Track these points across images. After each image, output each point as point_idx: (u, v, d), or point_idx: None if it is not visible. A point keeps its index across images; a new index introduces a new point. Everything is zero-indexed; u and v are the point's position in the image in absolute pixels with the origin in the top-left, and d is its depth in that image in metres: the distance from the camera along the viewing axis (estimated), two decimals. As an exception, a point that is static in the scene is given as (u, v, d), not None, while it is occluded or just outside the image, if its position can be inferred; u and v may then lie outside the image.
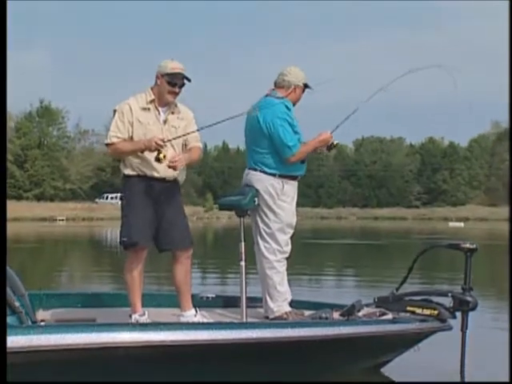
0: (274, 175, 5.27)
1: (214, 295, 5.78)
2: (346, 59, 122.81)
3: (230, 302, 5.68)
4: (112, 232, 36.66)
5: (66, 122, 78.79)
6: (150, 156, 4.82)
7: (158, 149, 4.73)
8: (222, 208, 5.43)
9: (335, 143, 5.36)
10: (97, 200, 70.27)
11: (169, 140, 4.83)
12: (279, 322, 4.98)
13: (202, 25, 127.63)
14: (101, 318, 4.98)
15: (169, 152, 4.83)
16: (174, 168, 4.79)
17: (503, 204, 73.33)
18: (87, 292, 6.00)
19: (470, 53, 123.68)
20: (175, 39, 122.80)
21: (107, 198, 70.55)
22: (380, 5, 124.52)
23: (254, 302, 5.40)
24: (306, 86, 5.46)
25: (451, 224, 48.69)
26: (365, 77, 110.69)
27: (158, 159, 4.74)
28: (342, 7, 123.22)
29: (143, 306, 4.97)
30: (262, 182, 5.27)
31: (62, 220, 51.98)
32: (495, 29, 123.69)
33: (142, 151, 4.83)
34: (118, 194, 71.58)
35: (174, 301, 5.34)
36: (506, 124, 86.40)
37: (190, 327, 4.34)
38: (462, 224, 48.24)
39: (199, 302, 5.41)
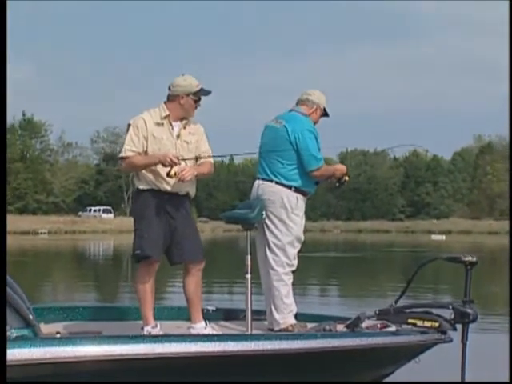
0: (290, 188, 5.32)
1: (214, 308, 5.81)
2: (335, 72, 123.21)
3: (231, 315, 5.76)
4: (95, 245, 36.46)
5: (49, 134, 78.71)
6: (163, 170, 4.90)
7: (172, 165, 4.83)
8: (228, 222, 5.46)
9: (346, 179, 5.53)
10: (80, 213, 69.90)
11: (183, 159, 4.93)
12: (289, 333, 5.01)
13: (188, 37, 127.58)
14: (106, 331, 4.96)
15: (178, 168, 4.90)
16: (182, 180, 4.87)
17: (485, 217, 73.86)
18: (87, 305, 6.03)
19: (454, 66, 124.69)
20: (159, 51, 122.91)
21: (90, 210, 70.20)
22: (367, 18, 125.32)
23: (257, 314, 5.42)
24: (325, 111, 5.61)
25: (433, 237, 48.86)
26: (353, 89, 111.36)
27: (169, 175, 4.85)
28: (330, 22, 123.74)
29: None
30: (278, 193, 5.31)
31: (45, 233, 51.62)
32: (481, 42, 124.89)
33: (156, 165, 4.91)
34: (102, 207, 71.53)
35: (172, 313, 5.47)
36: (488, 137, 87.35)
37: (205, 339, 4.39)
38: (443, 237, 48.47)
39: None
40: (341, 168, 5.53)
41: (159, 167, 4.91)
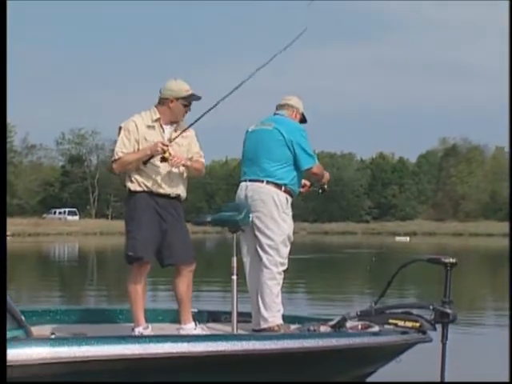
0: (280, 187, 5.40)
1: (196, 310, 5.83)
2: (306, 73, 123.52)
3: (214, 317, 5.88)
4: (60, 247, 36.06)
5: (13, 136, 77.77)
6: (154, 172, 4.98)
7: (164, 149, 4.89)
8: (215, 224, 5.50)
9: (326, 188, 5.79)
10: (44, 215, 69.15)
11: (174, 138, 5.00)
12: (279, 333, 5.07)
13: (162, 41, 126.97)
14: (90, 333, 4.92)
15: (172, 150, 4.96)
16: (176, 165, 4.94)
17: (450, 218, 74.80)
18: (69, 308, 6.06)
19: (420, 67, 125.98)
20: (126, 52, 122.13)
21: (55, 213, 69.49)
22: (338, 18, 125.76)
23: (240, 316, 5.44)
24: (303, 116, 5.74)
25: (397, 238, 49.23)
26: (320, 91, 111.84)
27: (163, 158, 4.89)
28: (302, 22, 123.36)
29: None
30: (269, 193, 5.38)
31: (8, 236, 50.93)
32: (446, 43, 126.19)
33: (148, 157, 4.94)
34: (67, 209, 70.88)
35: (153, 316, 5.53)
36: (452, 140, 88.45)
37: (198, 339, 4.45)
38: (407, 238, 48.90)
39: None
40: (327, 175, 5.75)
41: (151, 169, 4.97)
